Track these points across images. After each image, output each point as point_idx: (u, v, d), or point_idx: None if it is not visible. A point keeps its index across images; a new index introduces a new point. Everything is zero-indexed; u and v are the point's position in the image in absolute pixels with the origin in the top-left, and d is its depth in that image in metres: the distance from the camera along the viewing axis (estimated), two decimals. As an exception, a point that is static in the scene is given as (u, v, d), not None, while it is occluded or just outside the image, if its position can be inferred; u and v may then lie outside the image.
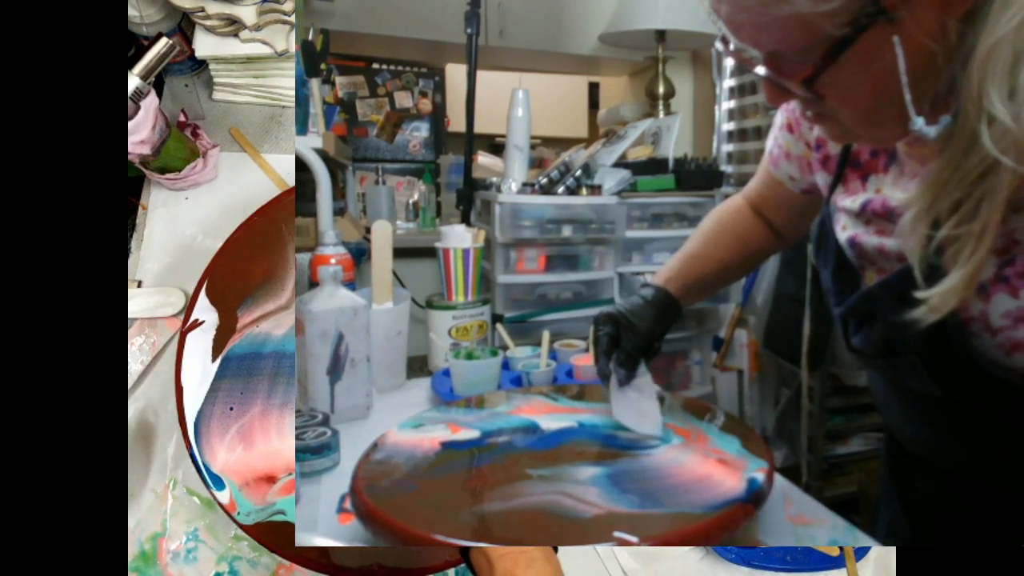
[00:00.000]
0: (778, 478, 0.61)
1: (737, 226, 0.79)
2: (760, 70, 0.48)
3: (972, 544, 0.64)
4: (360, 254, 1.26)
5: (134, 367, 0.90)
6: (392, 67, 2.60)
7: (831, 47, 0.44)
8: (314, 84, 1.42)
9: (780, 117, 0.70)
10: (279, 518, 0.78)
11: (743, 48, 0.47)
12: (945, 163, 0.45)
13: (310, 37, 1.43)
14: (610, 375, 0.71)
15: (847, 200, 0.60)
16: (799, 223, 0.78)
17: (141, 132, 0.86)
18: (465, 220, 1.83)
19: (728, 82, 2.10)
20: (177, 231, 0.99)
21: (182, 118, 0.99)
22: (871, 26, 0.43)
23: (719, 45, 0.49)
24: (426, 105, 2.67)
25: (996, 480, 0.61)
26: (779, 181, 0.73)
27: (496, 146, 2.56)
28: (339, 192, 1.81)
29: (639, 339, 0.71)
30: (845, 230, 0.61)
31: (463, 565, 0.82)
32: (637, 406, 0.69)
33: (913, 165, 0.55)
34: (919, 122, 0.45)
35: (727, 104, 2.13)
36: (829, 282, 0.63)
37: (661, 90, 2.22)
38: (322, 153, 1.38)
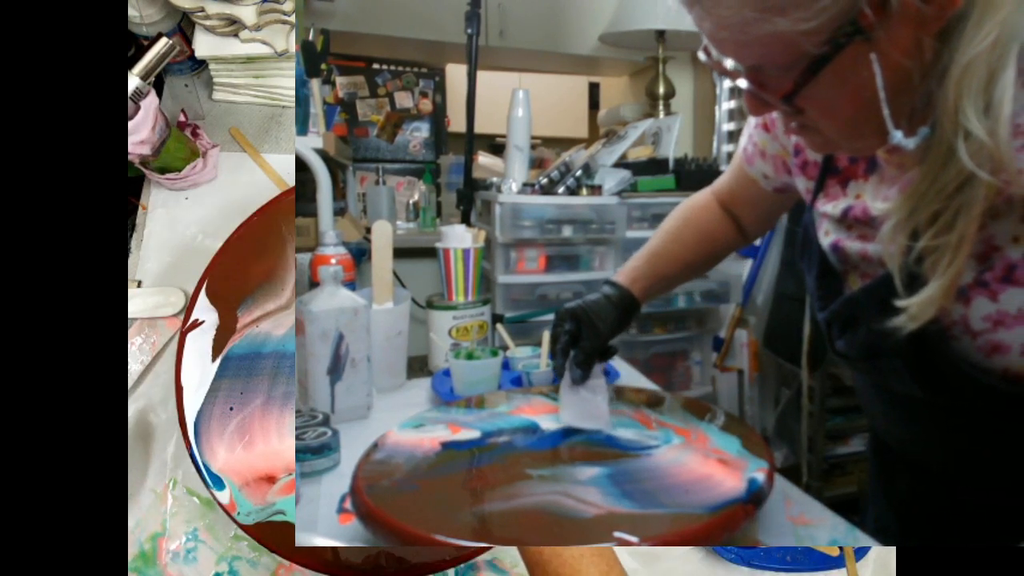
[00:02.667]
0: (778, 478, 0.61)
1: (702, 223, 0.79)
2: (742, 83, 0.49)
3: (962, 542, 0.64)
4: (360, 254, 1.26)
5: (134, 367, 0.90)
6: (392, 67, 2.60)
7: (810, 64, 0.45)
8: (314, 84, 1.42)
9: None
10: (279, 518, 0.78)
11: (724, 60, 0.48)
12: (923, 176, 0.47)
13: (310, 37, 1.43)
14: (564, 372, 0.71)
15: (828, 206, 0.61)
16: (766, 221, 0.79)
17: (141, 132, 0.86)
18: (465, 220, 1.82)
19: (728, 82, 2.10)
20: (177, 231, 0.99)
21: (182, 118, 0.99)
22: (848, 44, 0.43)
23: (702, 55, 0.50)
24: (426, 105, 2.67)
25: (978, 477, 0.62)
26: (752, 179, 0.73)
27: (496, 146, 2.56)
28: (339, 192, 1.81)
29: (599, 339, 0.72)
30: (828, 235, 0.62)
31: (463, 565, 0.82)
32: (587, 405, 0.69)
33: (892, 171, 0.55)
34: (898, 135, 0.46)
35: (727, 104, 2.14)
36: (813, 287, 0.64)
37: (661, 90, 2.22)
38: (322, 153, 1.38)
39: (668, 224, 0.80)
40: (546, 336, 0.97)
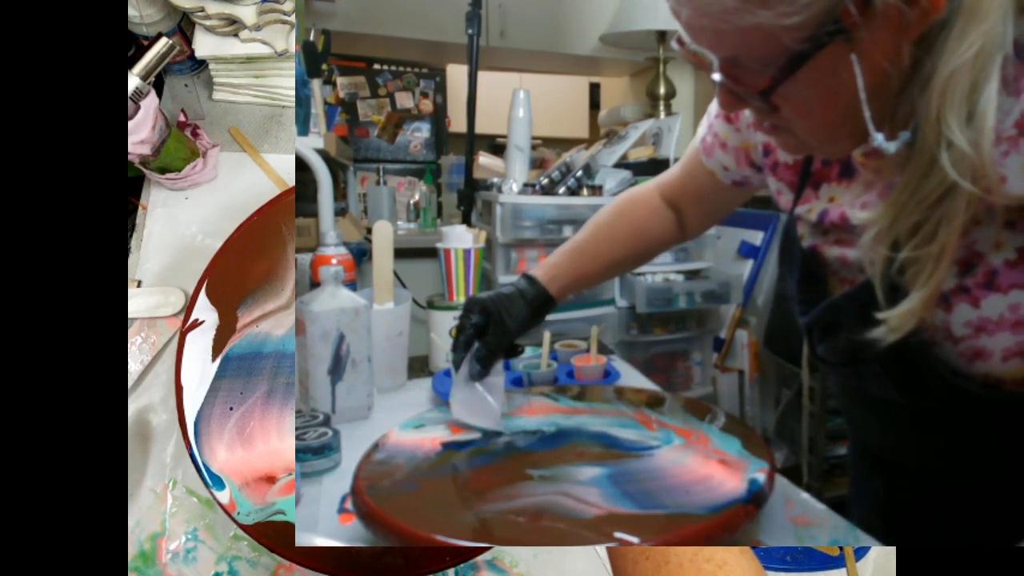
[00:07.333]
0: (779, 478, 0.61)
1: (639, 218, 0.77)
2: (716, 76, 0.48)
3: (943, 542, 0.64)
4: (361, 254, 1.26)
5: (134, 367, 0.90)
6: (393, 68, 2.61)
7: (789, 60, 0.44)
8: (315, 84, 1.43)
9: (716, 106, 0.68)
10: (279, 518, 0.78)
11: (700, 51, 0.47)
12: (904, 185, 0.46)
13: (311, 37, 1.43)
14: (462, 366, 0.69)
15: (801, 209, 0.61)
16: (712, 216, 0.77)
17: (141, 132, 0.86)
18: (466, 220, 1.83)
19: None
20: (177, 231, 0.99)
21: (182, 118, 0.99)
22: (830, 43, 0.43)
23: (675, 45, 0.49)
24: (427, 106, 2.67)
25: (958, 478, 0.62)
26: (710, 171, 0.71)
27: (497, 147, 2.56)
28: (340, 192, 1.81)
29: (505, 336, 0.70)
30: (804, 240, 0.61)
31: (463, 565, 0.82)
32: (479, 403, 0.68)
33: (869, 175, 0.55)
34: (879, 138, 0.46)
35: (728, 105, 2.13)
36: (794, 291, 0.63)
37: (662, 91, 2.22)
38: (323, 153, 1.38)
39: (601, 217, 0.77)
40: (546, 336, 0.98)
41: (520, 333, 0.71)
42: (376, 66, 2.57)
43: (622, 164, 2.00)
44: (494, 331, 0.69)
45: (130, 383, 0.90)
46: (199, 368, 0.83)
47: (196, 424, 0.81)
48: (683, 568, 0.49)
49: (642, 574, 0.50)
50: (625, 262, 0.78)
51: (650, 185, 0.79)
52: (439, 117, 2.70)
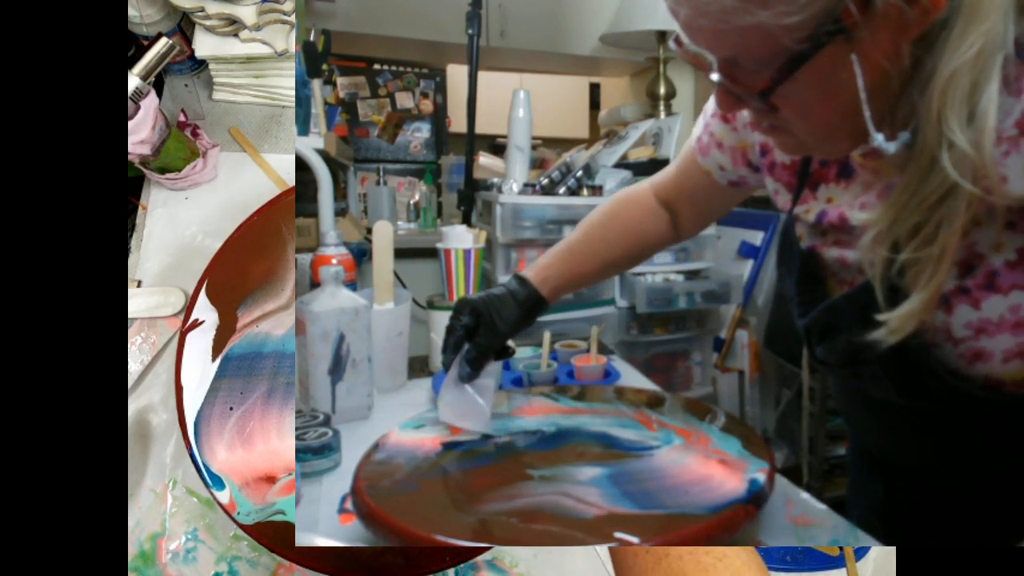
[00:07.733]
0: (779, 479, 0.61)
1: (633, 218, 0.76)
2: (714, 76, 0.47)
3: (942, 543, 0.64)
4: (361, 254, 1.26)
5: (134, 367, 0.90)
6: (393, 68, 2.61)
7: (788, 60, 0.44)
8: (315, 85, 1.43)
9: (712, 105, 0.68)
10: (279, 518, 0.78)
11: (699, 51, 0.47)
12: (904, 186, 0.46)
13: (311, 38, 1.43)
14: (452, 368, 0.69)
15: (799, 210, 0.60)
16: (707, 217, 0.77)
17: (141, 132, 0.86)
18: (466, 220, 1.83)
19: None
20: (177, 231, 0.99)
21: (182, 118, 0.99)
22: (829, 43, 0.43)
23: (673, 45, 0.48)
24: (427, 106, 2.67)
25: (958, 480, 0.61)
26: (706, 171, 0.71)
27: (497, 147, 2.56)
28: (340, 193, 1.81)
29: (496, 338, 0.69)
30: (802, 240, 0.61)
31: (463, 565, 0.82)
32: (468, 405, 0.67)
33: (867, 176, 0.55)
34: (879, 138, 0.46)
35: (728, 105, 2.13)
36: (793, 292, 0.62)
37: (662, 91, 2.22)
38: (323, 153, 1.38)
39: (594, 217, 0.77)
40: (546, 336, 0.98)
41: (511, 335, 0.71)
42: (376, 66, 2.58)
43: (622, 164, 2.00)
44: (484, 333, 0.69)
45: (130, 383, 0.90)
46: (199, 368, 0.83)
47: (196, 424, 0.81)
48: (683, 560, 0.49)
49: (642, 567, 0.50)
50: (619, 263, 0.78)
51: (644, 185, 0.78)
52: (439, 117, 2.70)
